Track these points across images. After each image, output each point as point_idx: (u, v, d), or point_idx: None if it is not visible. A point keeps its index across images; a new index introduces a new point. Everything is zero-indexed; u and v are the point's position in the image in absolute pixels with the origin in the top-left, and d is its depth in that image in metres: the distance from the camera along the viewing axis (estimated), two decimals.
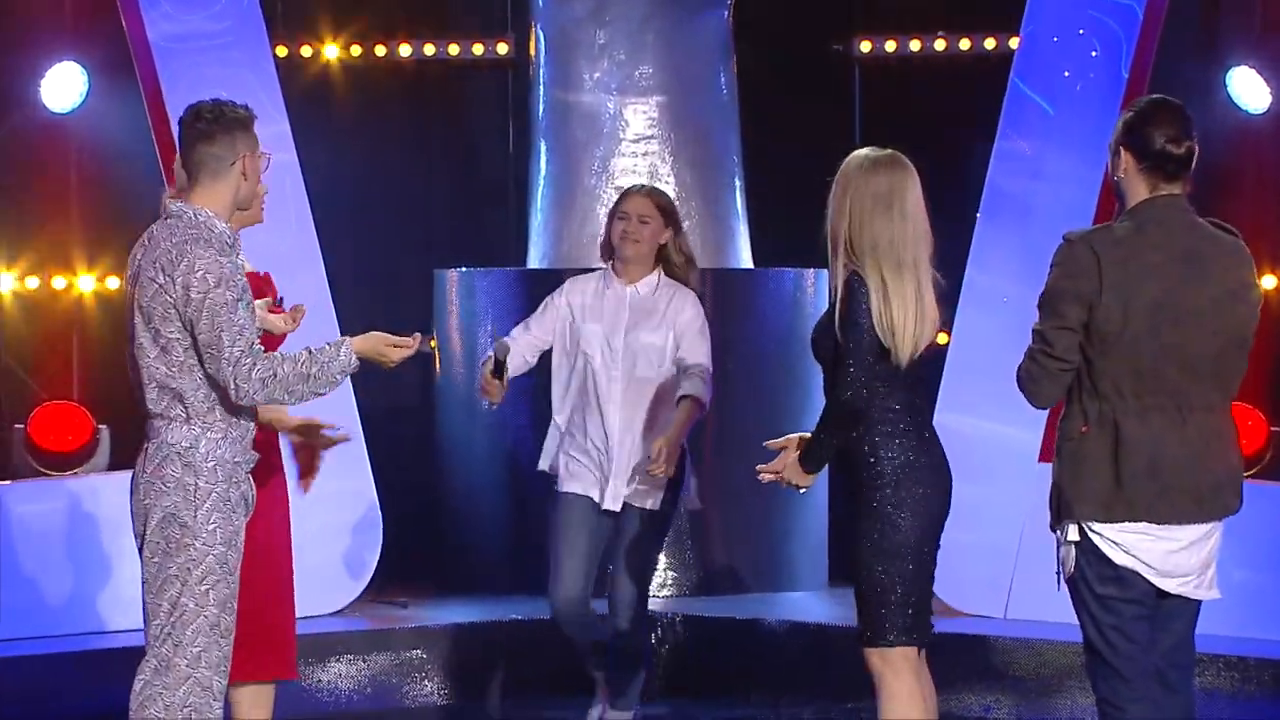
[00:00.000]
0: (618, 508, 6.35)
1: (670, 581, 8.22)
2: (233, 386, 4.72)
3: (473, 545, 8.41)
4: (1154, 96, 4.71)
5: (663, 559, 8.24)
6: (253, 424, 4.90)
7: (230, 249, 4.85)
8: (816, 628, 7.47)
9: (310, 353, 4.81)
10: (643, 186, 6.60)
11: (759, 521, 8.29)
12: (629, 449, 6.32)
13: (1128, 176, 4.61)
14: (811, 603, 8.10)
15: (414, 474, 8.45)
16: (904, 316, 4.89)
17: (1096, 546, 4.55)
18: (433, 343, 8.55)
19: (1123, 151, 4.59)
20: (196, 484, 4.76)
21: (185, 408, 4.78)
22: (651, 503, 6.32)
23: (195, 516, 4.75)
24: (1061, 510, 4.62)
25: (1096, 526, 4.57)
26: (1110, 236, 4.60)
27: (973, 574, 7.47)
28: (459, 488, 8.47)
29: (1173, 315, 4.53)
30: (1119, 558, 4.54)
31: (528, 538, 8.23)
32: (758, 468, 5.15)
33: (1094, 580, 4.54)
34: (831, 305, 4.99)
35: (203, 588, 4.75)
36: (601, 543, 6.41)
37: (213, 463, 4.78)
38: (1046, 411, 7.52)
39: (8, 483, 7.96)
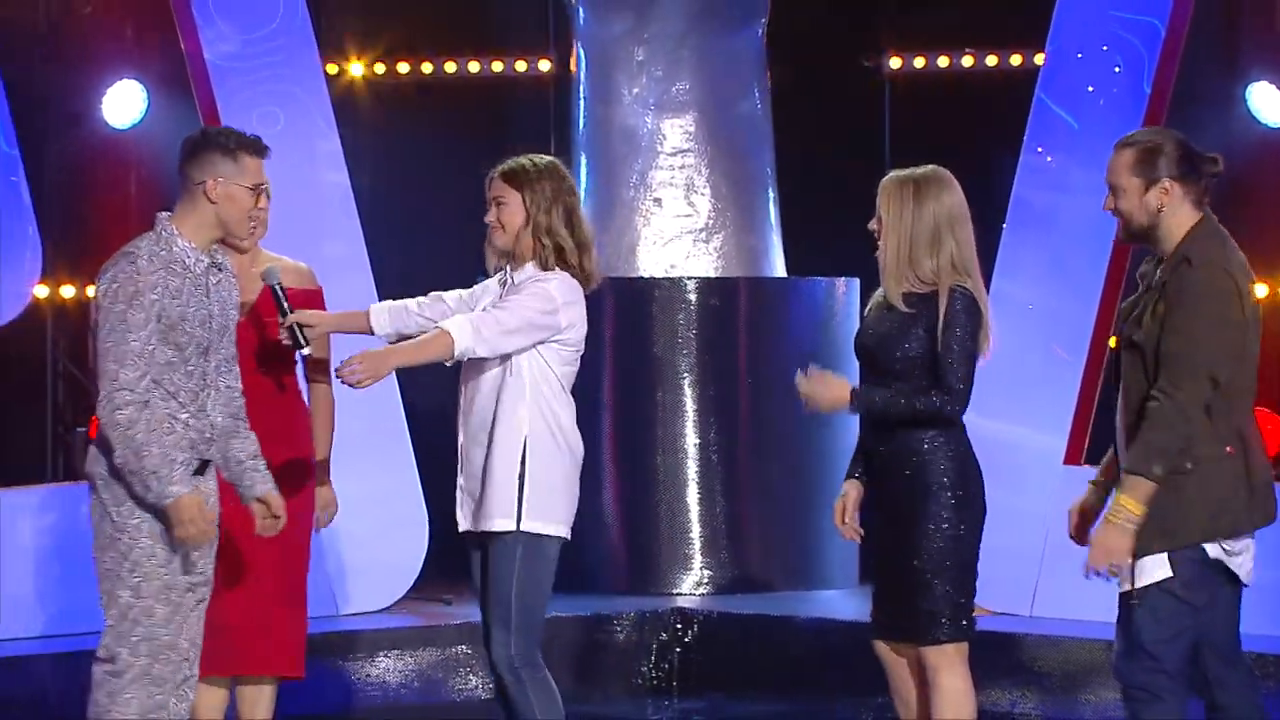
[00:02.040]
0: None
1: (705, 579, 8.21)
2: (98, 408, 4.64)
3: None
4: (1159, 129, 4.75)
5: (698, 557, 8.25)
6: (200, 428, 4.78)
7: (183, 271, 4.77)
8: (848, 625, 7.45)
9: (151, 446, 4.62)
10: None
11: (792, 521, 8.28)
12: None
13: (1172, 205, 4.63)
14: (843, 600, 8.07)
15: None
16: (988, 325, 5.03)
17: (1207, 555, 4.55)
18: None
19: (1170, 183, 4.62)
20: (119, 481, 4.71)
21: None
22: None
23: (120, 512, 4.73)
24: (1202, 529, 4.53)
25: (1222, 541, 4.58)
26: (1228, 259, 4.60)
27: (1000, 573, 7.44)
28: None
29: (1255, 330, 4.61)
30: (1233, 565, 4.57)
31: (570, 535, 8.24)
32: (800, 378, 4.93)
33: (1179, 587, 4.54)
34: (906, 313, 4.99)
35: (135, 579, 4.74)
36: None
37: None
38: (1070, 416, 7.59)
39: (70, 484, 8.00)
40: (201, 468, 4.82)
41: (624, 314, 8.29)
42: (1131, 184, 4.65)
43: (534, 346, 4.96)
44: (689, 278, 8.36)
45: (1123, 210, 4.69)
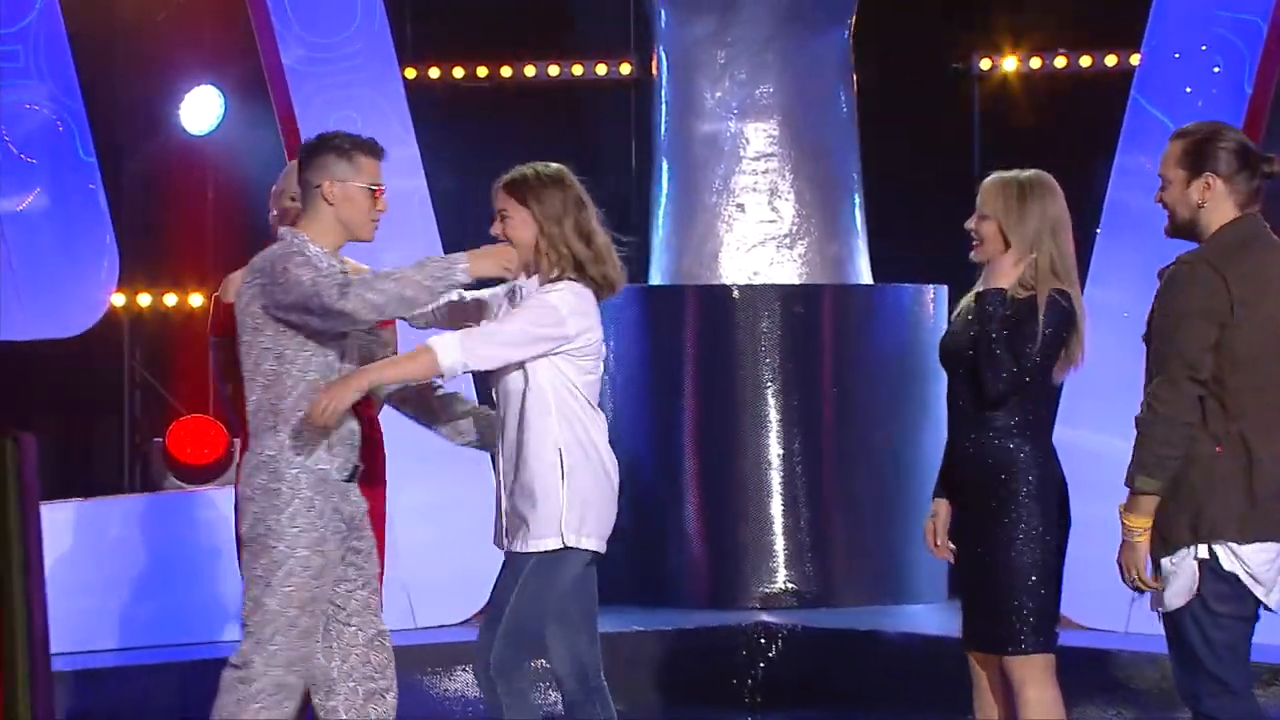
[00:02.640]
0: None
1: (789, 592, 8.15)
2: (337, 307, 4.66)
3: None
4: (1219, 123, 4.69)
5: (781, 571, 8.18)
6: (353, 439, 4.88)
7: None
8: (935, 640, 7.37)
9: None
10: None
11: (878, 533, 8.20)
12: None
13: (1214, 201, 4.59)
14: (931, 615, 8.00)
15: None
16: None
17: (1219, 565, 4.53)
18: None
19: (1213, 178, 4.57)
20: (280, 489, 4.79)
21: (276, 417, 4.80)
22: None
23: (279, 520, 4.77)
24: (1189, 531, 4.53)
25: (1230, 545, 4.53)
26: (1226, 255, 4.56)
27: (1094, 588, 7.33)
28: None
29: (1263, 333, 4.52)
30: (1243, 576, 4.53)
31: (649, 550, 8.19)
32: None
33: (1210, 598, 4.52)
34: (1007, 319, 4.96)
35: (285, 588, 4.77)
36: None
37: (296, 469, 4.80)
38: None
39: (147, 495, 8.00)
40: (353, 474, 4.90)
41: (706, 322, 8.26)
42: (1177, 176, 4.63)
43: (543, 357, 4.86)
44: (772, 285, 8.32)
45: (1167, 203, 4.66)
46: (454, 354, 4.82)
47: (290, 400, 4.81)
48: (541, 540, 4.89)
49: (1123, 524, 4.60)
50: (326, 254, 4.84)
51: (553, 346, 4.87)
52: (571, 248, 4.88)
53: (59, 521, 7.24)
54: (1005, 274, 4.96)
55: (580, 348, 4.91)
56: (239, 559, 4.93)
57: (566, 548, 4.91)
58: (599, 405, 5.04)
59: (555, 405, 4.88)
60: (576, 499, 4.88)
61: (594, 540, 4.98)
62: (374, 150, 4.91)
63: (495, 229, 4.96)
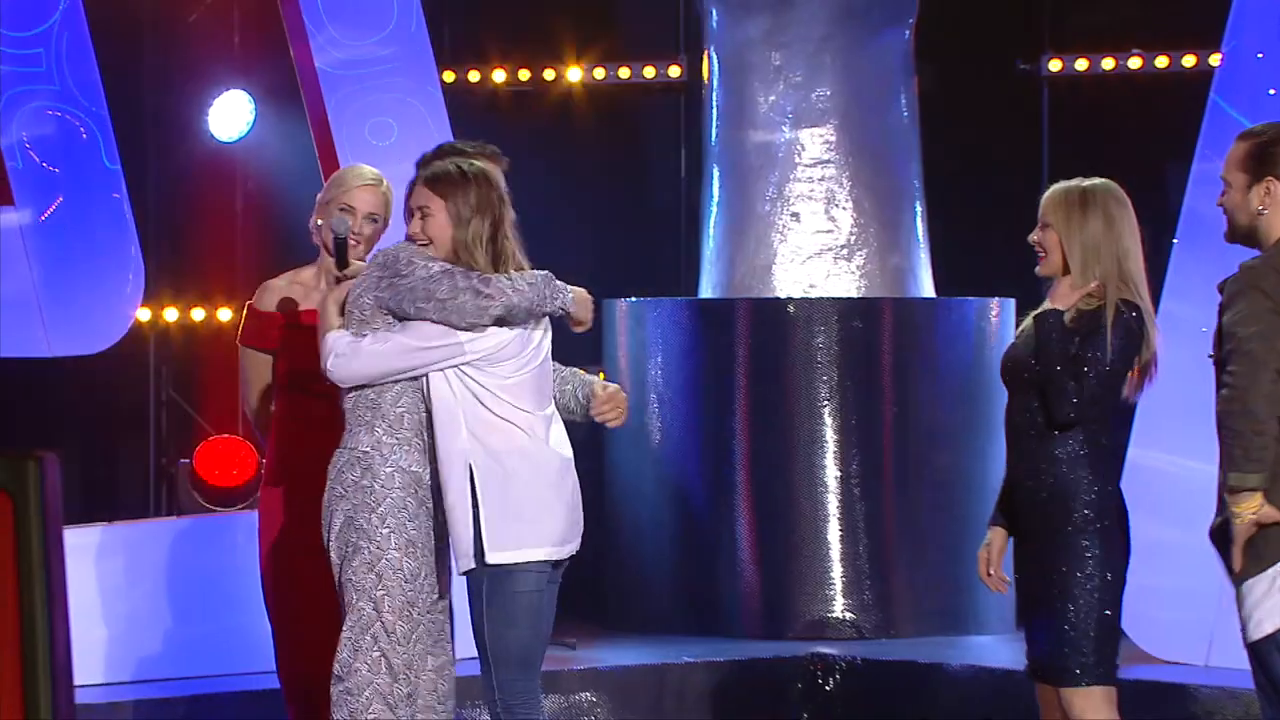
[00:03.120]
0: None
1: (847, 622, 8.12)
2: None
3: (642, 584, 8.37)
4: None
5: (839, 599, 8.15)
6: None
7: None
8: (1003, 673, 7.33)
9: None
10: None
11: (941, 560, 8.17)
12: None
13: (1274, 207, 4.63)
14: (998, 647, 7.95)
15: (585, 500, 8.42)
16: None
17: None
18: (600, 375, 8.54)
19: (1274, 183, 4.58)
20: (373, 487, 4.85)
21: (374, 413, 4.86)
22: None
23: (370, 520, 4.81)
24: (1268, 551, 4.50)
25: None
26: None
27: (1171, 619, 7.30)
28: (627, 524, 8.43)
29: None
30: None
31: (699, 576, 8.18)
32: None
33: None
34: (1070, 337, 4.97)
35: (378, 592, 4.83)
36: None
37: (390, 468, 4.86)
38: None
39: (174, 518, 8.02)
40: None
41: (759, 337, 8.24)
42: (1238, 179, 4.63)
43: (437, 371, 4.88)
44: (829, 298, 8.30)
45: (1226, 208, 4.64)
46: (329, 359, 4.93)
47: (390, 396, 4.89)
48: (464, 560, 4.91)
49: (1232, 513, 4.54)
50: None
51: (444, 360, 4.88)
52: (474, 255, 4.92)
53: (82, 546, 7.26)
54: (1064, 294, 4.97)
55: (485, 356, 4.90)
56: (264, 583, 4.92)
57: (489, 565, 4.89)
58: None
59: (466, 419, 4.88)
60: (496, 512, 4.87)
61: (536, 550, 4.93)
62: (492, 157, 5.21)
63: (414, 227, 4.98)
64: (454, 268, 4.87)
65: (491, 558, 4.87)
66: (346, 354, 4.90)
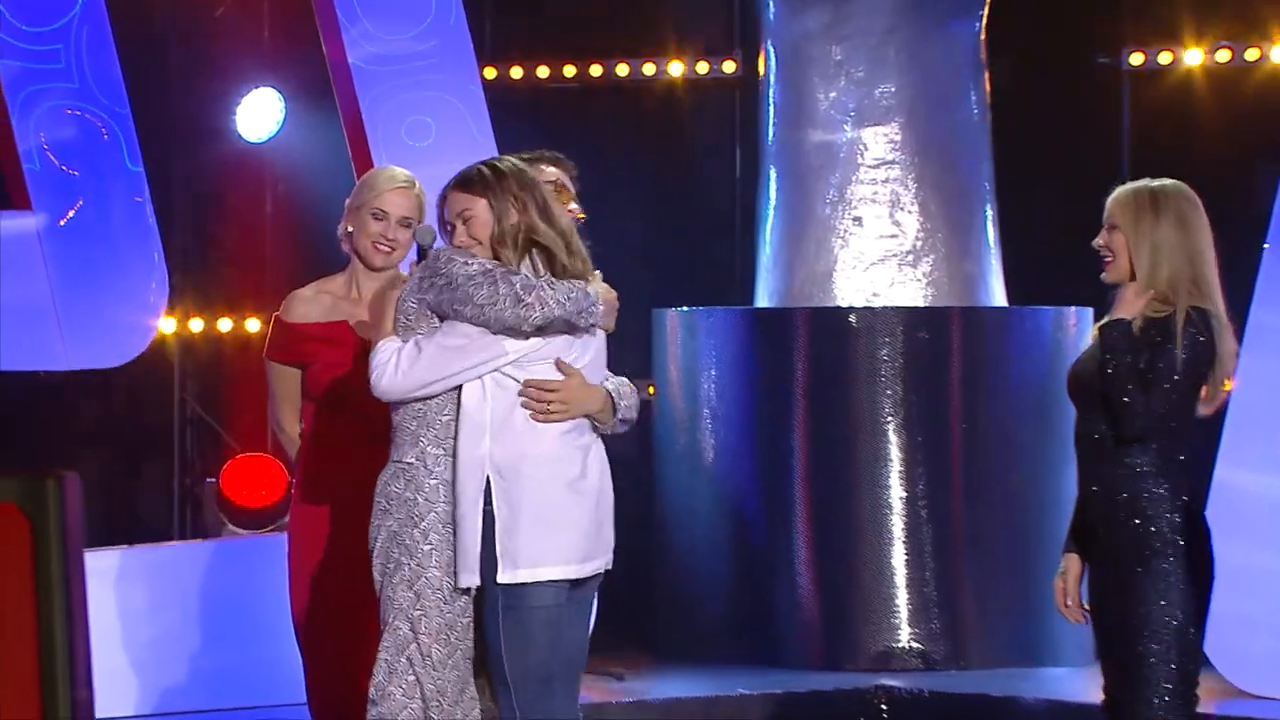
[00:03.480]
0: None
1: (913, 652, 8.10)
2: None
3: (694, 610, 8.37)
4: None
5: (905, 627, 8.13)
6: None
7: None
8: (1079, 708, 7.31)
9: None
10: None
11: (1014, 585, 8.14)
12: None
13: None
14: (1075, 680, 7.93)
15: (630, 532, 8.39)
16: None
17: None
18: (651, 389, 8.53)
19: None
20: (417, 500, 4.88)
21: (420, 422, 4.91)
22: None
23: (412, 535, 4.86)
24: None
25: None
26: None
27: (1260, 650, 7.25)
28: (679, 546, 8.44)
29: None
30: None
31: (755, 601, 8.17)
32: None
33: None
34: (1138, 345, 4.95)
35: (415, 612, 4.85)
36: None
37: (435, 481, 4.89)
38: None
39: (199, 541, 8.03)
40: None
41: (818, 349, 8.25)
42: None
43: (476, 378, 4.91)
44: (893, 308, 8.30)
45: None
46: (370, 373, 4.93)
47: (435, 404, 4.92)
48: (465, 574, 4.88)
49: None
50: None
51: (486, 362, 4.91)
52: (512, 252, 4.96)
53: (102, 570, 7.27)
54: (1131, 301, 4.96)
55: (527, 355, 4.93)
56: (294, 609, 4.94)
57: (500, 584, 4.87)
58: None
59: (492, 424, 4.90)
60: (511, 526, 4.86)
61: (553, 569, 4.91)
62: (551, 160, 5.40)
63: (458, 236, 5.00)
64: (495, 268, 4.89)
65: (504, 576, 4.86)
66: (388, 371, 4.93)
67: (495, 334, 4.90)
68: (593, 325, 4.97)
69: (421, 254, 5.18)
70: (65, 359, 7.63)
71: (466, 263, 4.88)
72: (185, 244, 8.93)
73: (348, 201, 5.60)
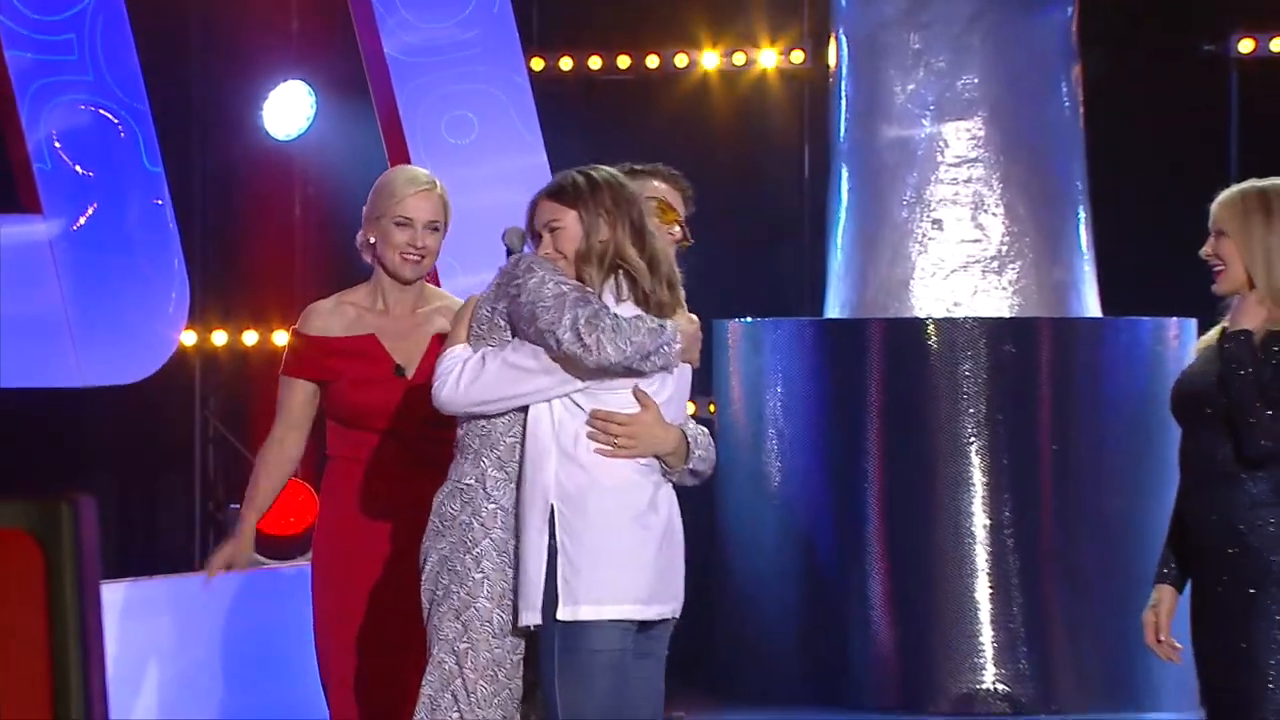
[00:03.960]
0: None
1: (998, 694, 8.07)
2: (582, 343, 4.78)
3: (761, 648, 8.37)
4: None
5: (990, 668, 8.09)
6: None
7: None
8: None
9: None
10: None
11: (1110, 621, 8.12)
12: None
13: None
14: None
15: (689, 563, 8.41)
16: None
17: None
18: (711, 407, 8.53)
19: None
20: (472, 525, 4.86)
21: (483, 441, 4.89)
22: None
23: (464, 560, 4.85)
24: None
25: None
26: None
27: None
28: (743, 578, 8.44)
29: None
30: None
31: (826, 639, 8.16)
32: None
33: None
34: (1269, 354, 4.93)
35: (462, 645, 4.84)
36: None
37: (494, 505, 4.87)
38: None
39: (223, 572, 8.02)
40: None
41: (894, 363, 8.25)
42: None
43: (546, 401, 4.88)
44: (976, 318, 8.29)
45: None
46: (434, 381, 4.90)
47: (502, 423, 4.89)
48: (529, 612, 4.86)
49: None
50: None
51: (553, 387, 4.87)
52: (593, 272, 4.89)
53: (118, 604, 7.29)
54: (1252, 311, 4.94)
55: (600, 382, 4.88)
56: (317, 644, 4.91)
57: (559, 621, 4.85)
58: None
59: (559, 452, 4.88)
60: (573, 560, 4.82)
61: (618, 607, 4.86)
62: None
63: (544, 247, 4.95)
64: (570, 290, 4.84)
65: (564, 613, 4.83)
66: (449, 382, 4.90)
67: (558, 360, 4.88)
68: (664, 368, 4.89)
69: (510, 256, 5.13)
70: (79, 374, 7.64)
71: (544, 278, 4.84)
72: (207, 250, 8.96)
73: (365, 210, 5.55)
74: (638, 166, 5.22)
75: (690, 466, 4.91)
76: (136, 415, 8.99)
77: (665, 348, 4.81)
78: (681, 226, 5.22)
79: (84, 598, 3.55)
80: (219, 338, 9.09)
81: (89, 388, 7.83)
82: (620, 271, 4.89)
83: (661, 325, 4.83)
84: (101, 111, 7.73)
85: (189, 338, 8.88)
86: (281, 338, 8.94)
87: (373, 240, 5.49)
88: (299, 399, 5.48)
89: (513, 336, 4.89)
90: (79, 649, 3.58)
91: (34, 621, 3.54)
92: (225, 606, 7.64)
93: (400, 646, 5.28)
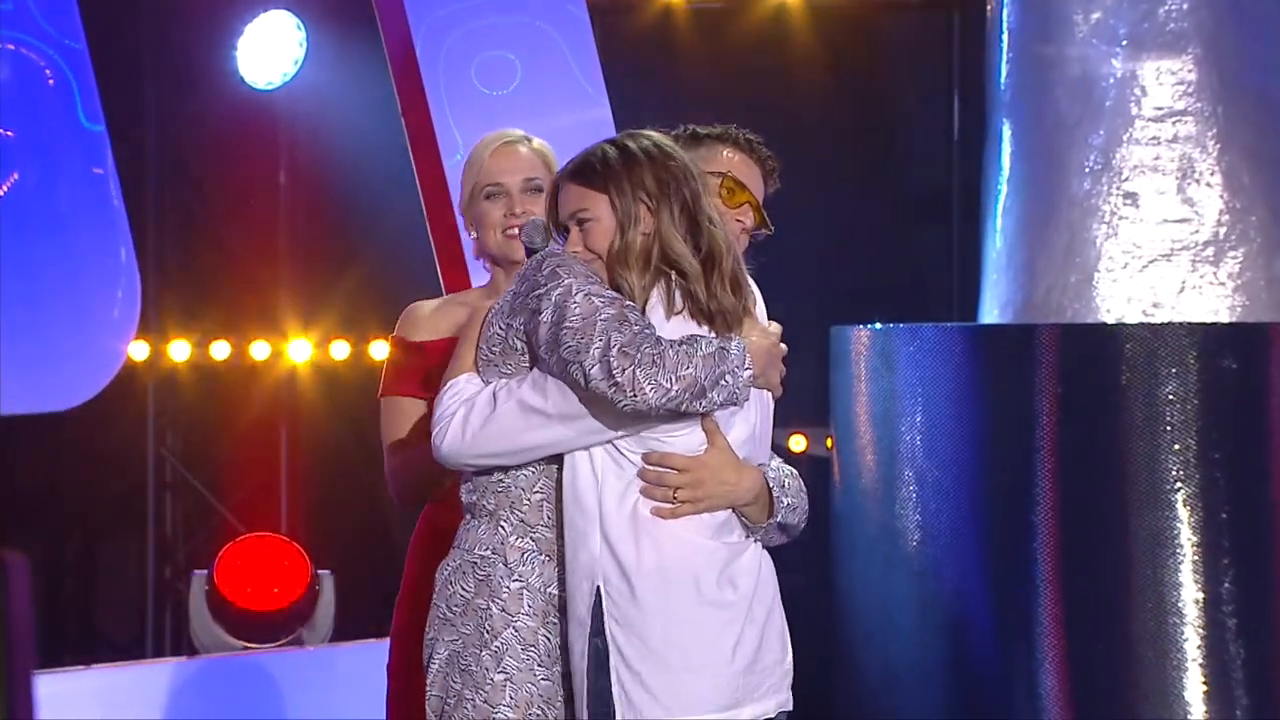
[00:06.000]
0: None
1: None
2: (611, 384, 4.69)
3: None
4: None
5: None
6: None
7: None
8: None
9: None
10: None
11: None
12: None
13: None
14: None
15: (800, 648, 8.47)
16: None
17: None
18: (829, 442, 8.57)
19: None
20: (490, 611, 4.91)
21: (500, 500, 4.93)
22: None
23: (480, 657, 4.90)
24: None
25: None
26: None
27: None
28: (870, 669, 8.50)
29: None
30: None
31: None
32: None
33: None
34: None
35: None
36: None
37: (518, 584, 4.92)
38: None
39: (183, 659, 8.16)
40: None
41: (1074, 382, 8.24)
42: None
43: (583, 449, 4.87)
44: (1184, 324, 8.29)
45: None
46: (433, 428, 4.87)
47: (523, 477, 4.93)
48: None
49: None
50: None
51: (584, 436, 4.84)
52: (629, 275, 4.87)
53: (49, 698, 7.42)
54: None
55: (649, 424, 4.85)
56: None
57: None
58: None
59: (604, 515, 4.86)
60: (637, 653, 4.85)
61: (702, 705, 4.89)
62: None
63: (572, 242, 4.91)
64: (605, 304, 4.76)
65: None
66: (452, 428, 4.86)
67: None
68: (732, 402, 4.81)
69: (530, 256, 5.06)
70: (1, 401, 7.72)
71: (572, 289, 4.77)
72: (164, 235, 9.04)
73: (459, 198, 5.58)
74: (701, 130, 5.12)
75: (778, 519, 4.91)
76: (71, 454, 9.03)
77: (727, 378, 4.73)
78: (756, 210, 5.10)
79: (14, 678, 3.69)
80: (179, 350, 9.13)
81: (8, 416, 7.89)
82: (672, 274, 4.80)
83: (723, 347, 4.74)
84: (23, 51, 7.79)
85: (140, 350, 8.95)
86: (261, 350, 9.00)
87: (474, 234, 5.54)
88: (411, 422, 5.43)
89: (533, 363, 4.82)
90: None
91: None
92: (187, 703, 7.76)
93: None
